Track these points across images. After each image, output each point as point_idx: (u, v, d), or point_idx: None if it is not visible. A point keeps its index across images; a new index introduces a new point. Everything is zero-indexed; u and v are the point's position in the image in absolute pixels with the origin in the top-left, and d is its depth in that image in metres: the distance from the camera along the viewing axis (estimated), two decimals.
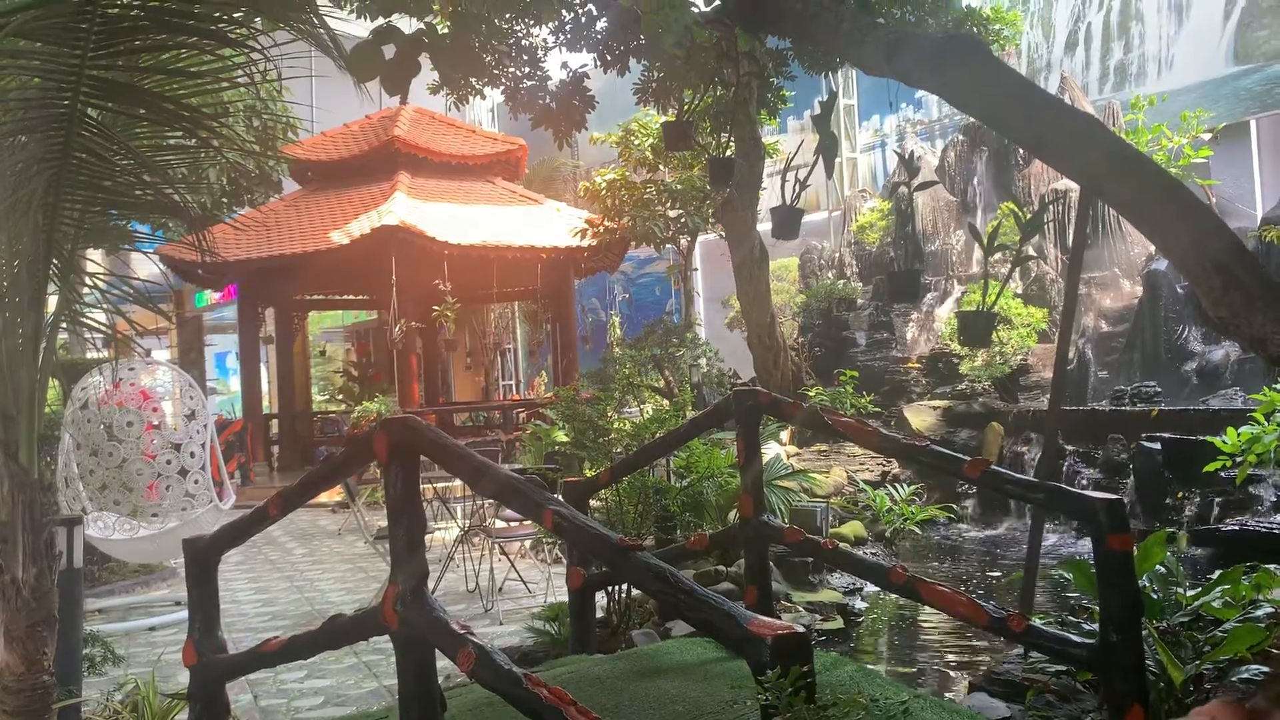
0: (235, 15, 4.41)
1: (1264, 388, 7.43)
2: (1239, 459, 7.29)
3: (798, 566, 6.95)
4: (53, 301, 4.60)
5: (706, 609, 2.49)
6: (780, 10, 4.83)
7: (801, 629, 2.32)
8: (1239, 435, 7.31)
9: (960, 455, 4.11)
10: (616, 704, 3.93)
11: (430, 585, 8.26)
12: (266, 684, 6.46)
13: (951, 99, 4.24)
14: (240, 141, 14.39)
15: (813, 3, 4.72)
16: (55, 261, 4.36)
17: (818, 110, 5.14)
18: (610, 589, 6.21)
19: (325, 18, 4.61)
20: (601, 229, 15.70)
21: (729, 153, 11.65)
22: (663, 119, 13.60)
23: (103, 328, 5.30)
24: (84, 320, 4.78)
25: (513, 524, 8.25)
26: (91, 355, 10.17)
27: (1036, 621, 4.43)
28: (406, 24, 6.40)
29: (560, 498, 5.24)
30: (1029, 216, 3.82)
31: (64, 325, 5.03)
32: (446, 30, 7.12)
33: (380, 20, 6.26)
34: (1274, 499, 8.34)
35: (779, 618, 5.44)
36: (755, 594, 4.79)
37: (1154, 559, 4.79)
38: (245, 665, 4.20)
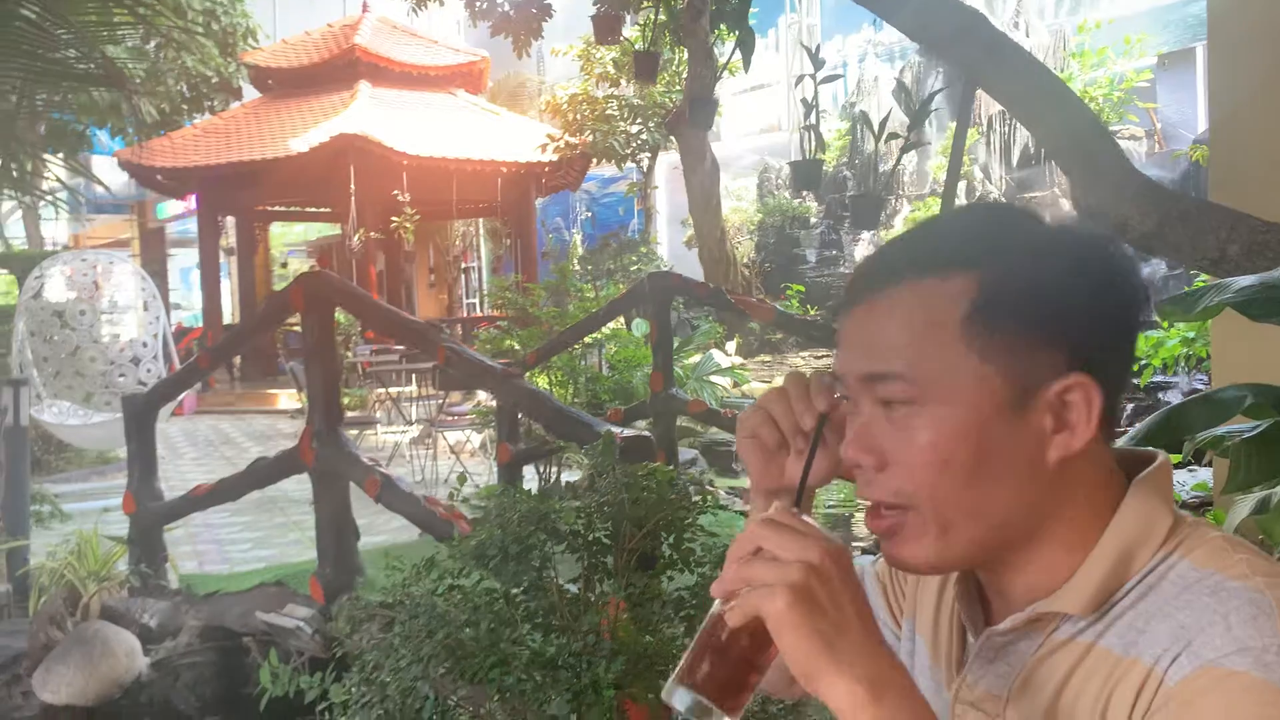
0: None
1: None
2: (1144, 363, 7.71)
3: (721, 454, 7.33)
4: None
5: (571, 423, 2.82)
6: None
7: (647, 434, 2.66)
8: (1145, 340, 7.72)
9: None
10: None
11: None
12: (211, 555, 6.81)
13: None
14: (192, 40, 14.24)
15: None
16: None
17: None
18: (538, 466, 6.57)
19: None
20: (562, 144, 15.79)
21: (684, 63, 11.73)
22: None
23: (50, 196, 5.52)
24: (24, 190, 4.99)
25: (455, 416, 8.61)
26: (50, 248, 10.31)
27: None
28: None
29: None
30: (918, 105, 4.10)
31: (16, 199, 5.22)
32: None
33: None
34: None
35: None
36: (664, 458, 5.13)
37: None
38: (179, 510, 4.52)
